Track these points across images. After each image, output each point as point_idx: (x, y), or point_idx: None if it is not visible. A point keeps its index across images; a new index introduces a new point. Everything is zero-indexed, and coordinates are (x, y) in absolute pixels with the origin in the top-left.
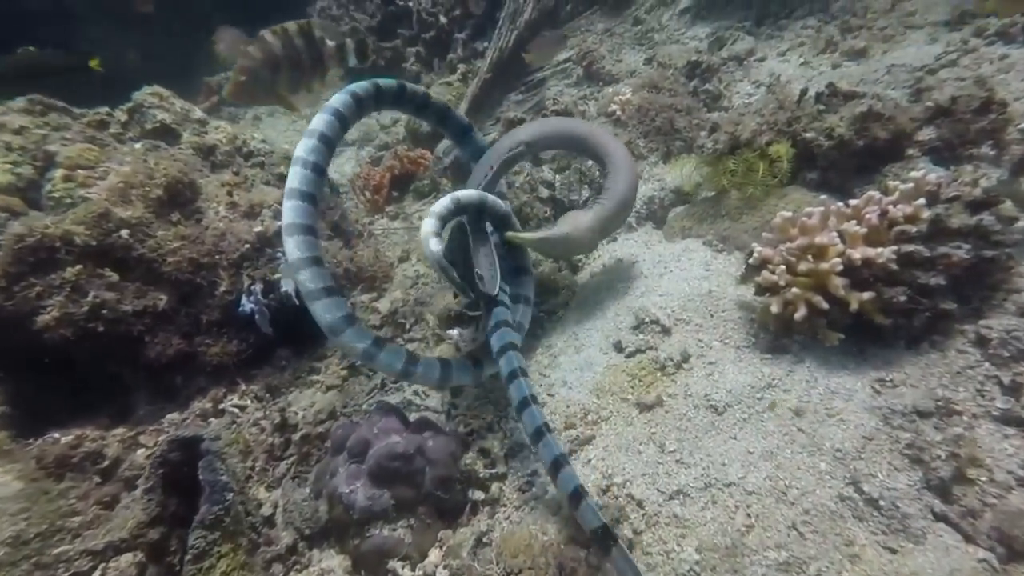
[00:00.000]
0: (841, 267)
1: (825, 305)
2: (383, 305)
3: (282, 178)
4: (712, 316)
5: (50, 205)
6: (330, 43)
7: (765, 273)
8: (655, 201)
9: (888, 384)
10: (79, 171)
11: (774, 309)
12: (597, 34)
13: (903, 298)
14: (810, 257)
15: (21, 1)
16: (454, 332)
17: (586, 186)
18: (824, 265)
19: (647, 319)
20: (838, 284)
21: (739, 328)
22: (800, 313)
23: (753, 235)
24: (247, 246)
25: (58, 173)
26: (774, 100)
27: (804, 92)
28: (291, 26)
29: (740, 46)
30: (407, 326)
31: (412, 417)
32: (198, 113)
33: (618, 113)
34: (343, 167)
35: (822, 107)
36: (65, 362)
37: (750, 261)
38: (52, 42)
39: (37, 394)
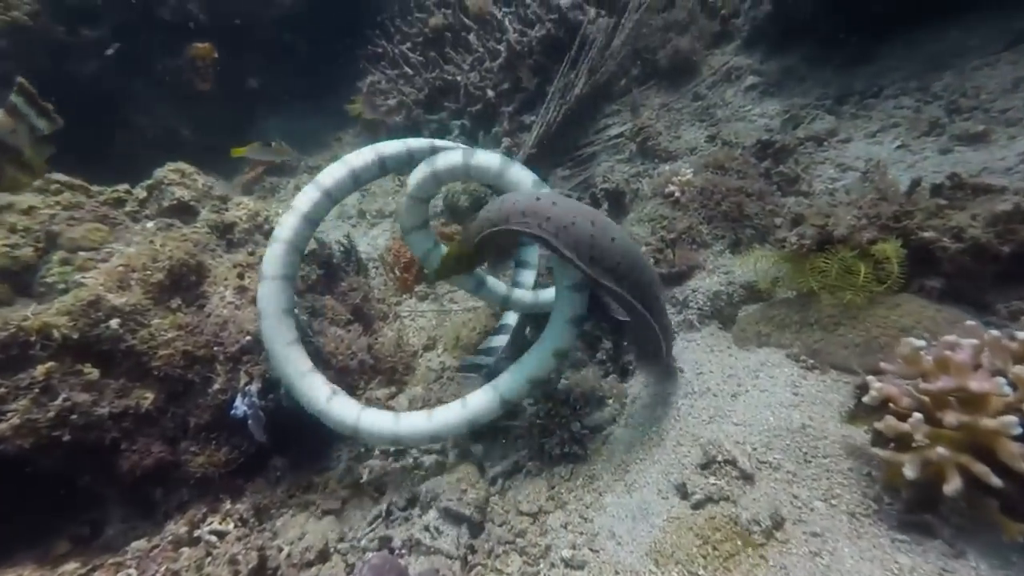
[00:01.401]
0: (1020, 428)
1: (996, 480)
2: (400, 404)
3: (303, 259)
4: (809, 462)
5: (42, 291)
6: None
7: (891, 420)
8: (721, 297)
9: None
10: (80, 253)
11: (909, 473)
12: (653, 109)
13: None
14: (959, 405)
15: (93, 85)
16: (479, 448)
17: None
18: (989, 422)
19: (720, 457)
20: (1014, 452)
21: (851, 485)
22: (952, 485)
23: (855, 353)
24: (248, 338)
25: (56, 256)
26: (873, 189)
27: (917, 182)
28: None
29: (819, 125)
30: None
31: (416, 571)
32: (219, 189)
33: (677, 195)
34: (377, 240)
35: (942, 201)
36: (25, 473)
37: (865, 399)
38: (116, 121)
39: None
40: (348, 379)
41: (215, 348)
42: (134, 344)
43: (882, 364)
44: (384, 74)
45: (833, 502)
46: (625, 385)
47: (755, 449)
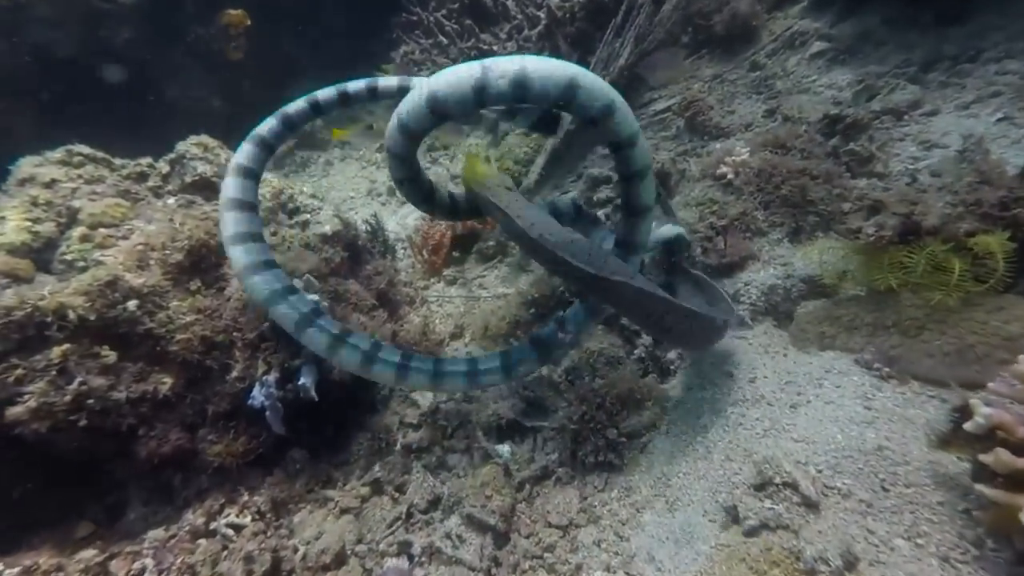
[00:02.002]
0: None
1: None
2: (424, 396)
3: (326, 240)
4: (887, 491)
5: (61, 269)
6: None
7: (1004, 454)
8: (778, 291)
9: None
10: (100, 230)
11: None
12: (704, 81)
13: None
14: None
15: (125, 52)
16: (504, 449)
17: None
18: None
19: (777, 478)
20: None
21: (943, 524)
22: None
23: (945, 364)
24: (266, 324)
25: (76, 232)
26: (972, 171)
27: None
28: None
29: (899, 96)
30: (448, 430)
31: None
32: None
33: (730, 176)
34: (406, 219)
35: None
36: (45, 455)
37: (967, 425)
38: (145, 89)
39: (6, 490)
40: None
41: (234, 334)
42: (152, 327)
43: (991, 384)
44: (418, 43)
45: (919, 542)
46: (666, 386)
47: (820, 472)
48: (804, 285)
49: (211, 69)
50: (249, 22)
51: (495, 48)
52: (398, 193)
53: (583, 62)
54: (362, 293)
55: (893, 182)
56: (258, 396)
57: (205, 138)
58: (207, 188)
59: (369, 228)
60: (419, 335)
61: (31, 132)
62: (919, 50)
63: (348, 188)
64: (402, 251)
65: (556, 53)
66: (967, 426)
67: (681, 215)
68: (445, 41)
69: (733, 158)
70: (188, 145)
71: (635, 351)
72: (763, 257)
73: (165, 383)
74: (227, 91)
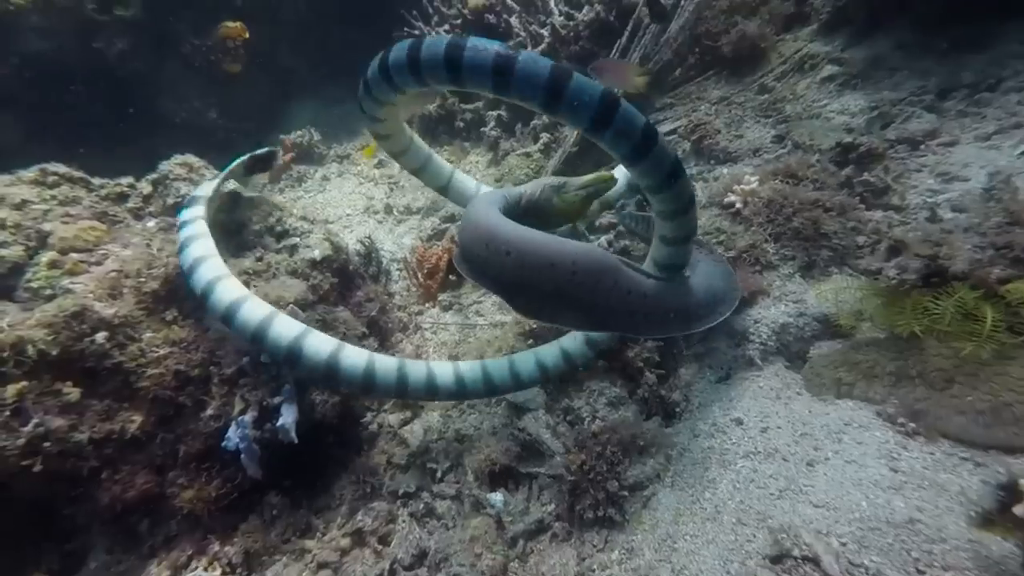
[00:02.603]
0: None
1: None
2: (414, 433)
3: (315, 266)
4: (922, 573)
5: (26, 297)
6: None
7: None
8: (790, 330)
9: None
10: (71, 255)
11: None
12: (711, 103)
13: None
14: None
15: (120, 64)
16: (497, 498)
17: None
18: None
19: (796, 550)
20: None
21: None
22: None
23: (978, 423)
24: (246, 359)
25: (45, 257)
26: (1000, 210)
27: None
28: None
29: (915, 125)
30: (438, 473)
31: None
32: (231, 184)
33: (738, 206)
34: (403, 239)
35: None
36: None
37: (1020, 511)
38: (139, 102)
39: None
40: (354, 403)
41: (211, 368)
42: (122, 361)
43: None
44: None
45: None
46: (670, 431)
47: (844, 545)
48: (818, 324)
49: (208, 82)
50: (247, 35)
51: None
52: (394, 211)
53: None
54: (352, 321)
55: (911, 216)
56: (233, 437)
57: (190, 158)
58: None
59: (362, 251)
60: None
61: (18, 146)
62: (935, 77)
63: (345, 205)
64: (397, 273)
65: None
66: (1018, 511)
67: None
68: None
69: (741, 187)
70: (172, 165)
71: (638, 390)
72: (774, 292)
73: (134, 421)
74: (224, 104)
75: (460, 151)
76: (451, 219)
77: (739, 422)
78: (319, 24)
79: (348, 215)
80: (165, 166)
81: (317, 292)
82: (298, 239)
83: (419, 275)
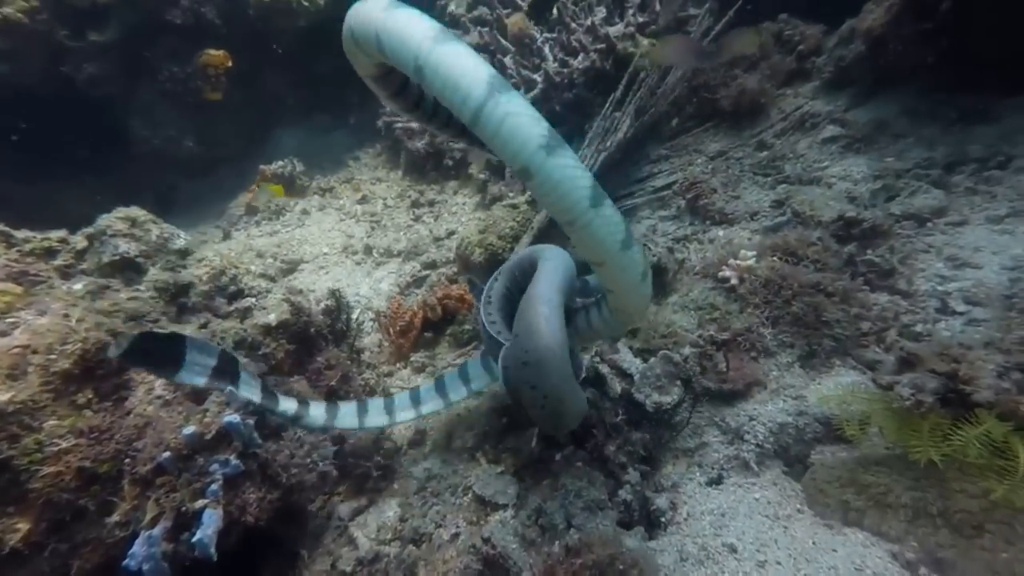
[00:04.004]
0: None
1: None
2: (366, 528)
3: (268, 332)
4: None
5: None
6: None
7: None
8: (789, 430)
9: None
10: None
11: None
12: (708, 157)
13: None
14: None
15: (90, 88)
16: None
17: (677, 383)
18: None
19: None
20: None
21: None
22: None
23: None
24: (168, 454)
25: None
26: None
27: None
28: None
29: (922, 201)
30: None
31: None
32: (180, 242)
33: (734, 282)
34: (381, 284)
35: None
36: None
37: None
38: (111, 128)
39: None
40: (298, 497)
41: (125, 461)
42: (11, 456)
43: None
44: None
45: None
46: (654, 546)
47: None
48: (820, 427)
49: (186, 109)
50: (231, 63)
51: None
52: (374, 252)
53: (580, 131)
54: (307, 393)
55: (919, 304)
56: (138, 554)
57: (135, 211)
58: (129, 270)
59: (329, 307)
60: (370, 445)
61: None
62: (942, 147)
63: (323, 243)
64: (370, 324)
65: (552, 118)
66: None
67: (677, 319)
68: None
69: (738, 262)
70: (112, 219)
71: (620, 491)
72: (771, 384)
73: (18, 530)
74: (203, 133)
75: (448, 191)
76: (432, 265)
77: (732, 549)
78: (307, 52)
79: (325, 254)
80: (104, 219)
81: (269, 362)
82: (253, 300)
83: (391, 332)
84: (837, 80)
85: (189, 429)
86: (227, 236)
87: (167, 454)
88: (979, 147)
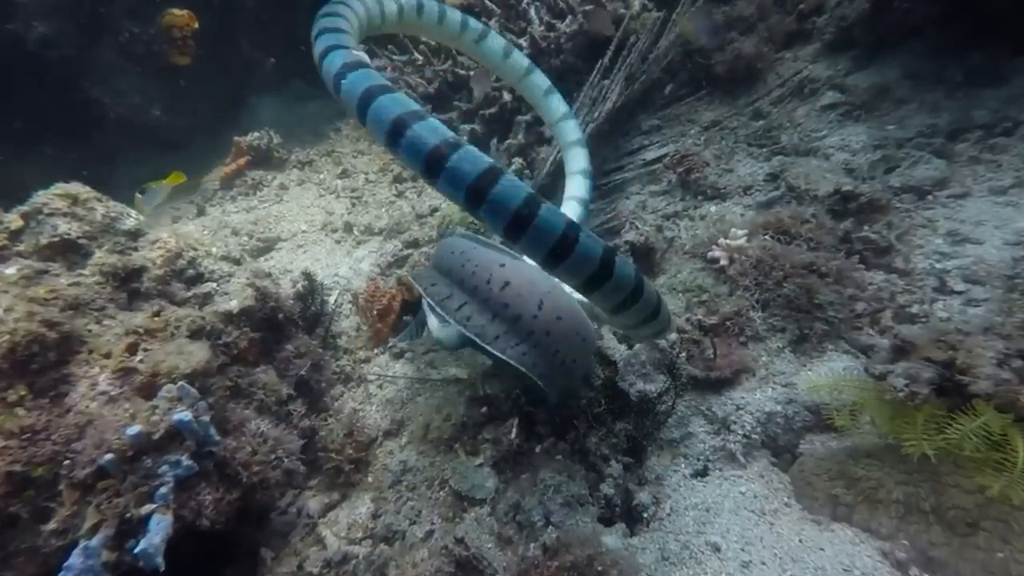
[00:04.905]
0: None
1: None
2: (337, 526)
3: (230, 320)
4: None
5: None
6: None
7: None
8: (777, 419)
9: None
10: None
11: None
12: (701, 127)
13: None
14: None
15: (43, 50)
16: None
17: (663, 370)
18: None
19: None
20: None
21: None
22: None
23: None
24: (110, 456)
25: None
26: None
27: None
28: None
29: (923, 172)
30: None
31: None
32: (130, 222)
33: (723, 263)
34: (361, 263)
35: None
36: None
37: None
38: (70, 92)
39: None
40: (262, 496)
41: (64, 463)
42: None
43: None
44: (391, 60)
45: None
46: (635, 543)
47: None
48: (809, 415)
49: (151, 74)
50: (196, 24)
51: (471, 73)
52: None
53: (569, 99)
54: (274, 384)
55: (917, 283)
56: (74, 566)
57: (76, 188)
58: (70, 251)
59: (300, 291)
60: (343, 437)
61: None
62: (946, 114)
63: (301, 219)
64: (348, 306)
65: None
66: None
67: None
68: (420, 59)
69: (728, 242)
70: (50, 196)
71: (602, 484)
72: (760, 372)
73: None
74: (170, 100)
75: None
76: (414, 244)
77: (716, 548)
78: (283, 12)
79: (303, 232)
80: (42, 197)
81: (231, 352)
82: (214, 285)
83: (369, 315)
84: (839, 41)
85: (134, 429)
86: (201, 212)
87: (109, 456)
88: (985, 112)
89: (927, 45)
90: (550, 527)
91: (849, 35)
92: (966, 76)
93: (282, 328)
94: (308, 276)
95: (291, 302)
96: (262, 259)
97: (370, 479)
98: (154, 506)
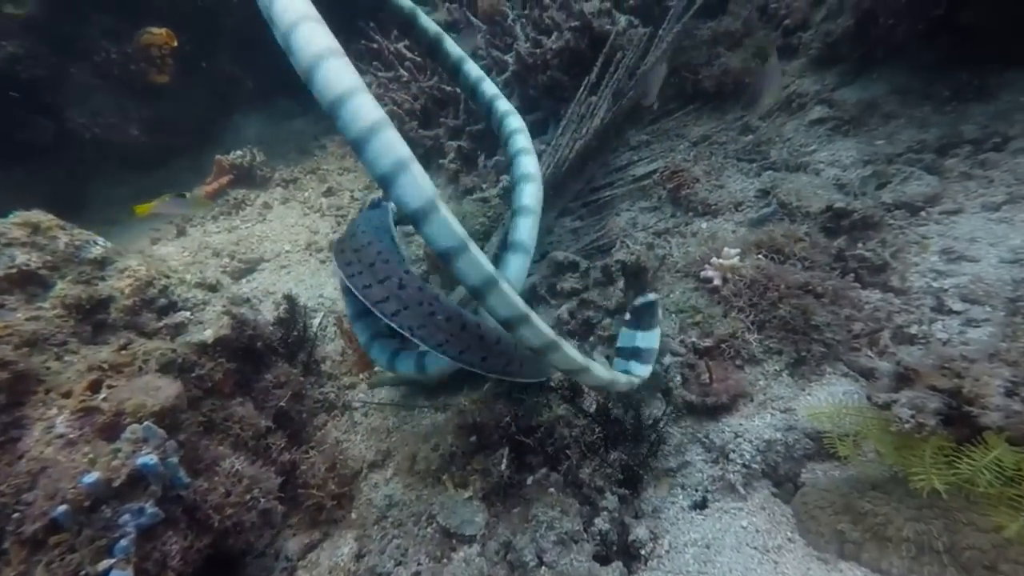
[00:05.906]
0: None
1: None
2: (316, 572)
3: (204, 351)
4: None
5: None
6: None
7: None
8: (777, 447)
9: None
10: None
11: None
12: (691, 142)
13: None
14: None
15: (13, 70)
16: None
17: (658, 395)
18: None
19: None
20: None
21: None
22: None
23: None
24: (64, 508)
25: None
26: None
27: None
28: None
29: (915, 188)
30: None
31: None
32: (96, 250)
33: (716, 283)
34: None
35: None
36: None
37: None
38: (42, 113)
39: None
40: (235, 540)
41: (12, 517)
42: None
43: None
44: (376, 76)
45: None
46: None
47: None
48: (810, 442)
49: (129, 94)
50: (175, 43)
51: (459, 90)
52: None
53: (556, 117)
54: (251, 417)
55: (914, 302)
56: None
57: (38, 215)
58: (29, 283)
59: (281, 315)
60: (324, 471)
61: None
62: (935, 129)
63: (284, 239)
64: (333, 329)
65: (526, 104)
66: None
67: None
68: (405, 76)
69: (720, 261)
70: (8, 225)
71: (596, 519)
72: (757, 396)
73: None
74: (149, 119)
75: None
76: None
77: None
78: (266, 29)
79: (287, 252)
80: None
81: (204, 385)
82: (188, 314)
83: (353, 339)
84: (825, 57)
85: (91, 476)
86: (182, 233)
87: (63, 507)
88: (974, 127)
89: (913, 60)
90: (543, 568)
91: (835, 50)
92: (954, 91)
93: (261, 357)
94: (290, 300)
95: (271, 328)
96: (244, 281)
97: (353, 515)
98: (112, 561)
